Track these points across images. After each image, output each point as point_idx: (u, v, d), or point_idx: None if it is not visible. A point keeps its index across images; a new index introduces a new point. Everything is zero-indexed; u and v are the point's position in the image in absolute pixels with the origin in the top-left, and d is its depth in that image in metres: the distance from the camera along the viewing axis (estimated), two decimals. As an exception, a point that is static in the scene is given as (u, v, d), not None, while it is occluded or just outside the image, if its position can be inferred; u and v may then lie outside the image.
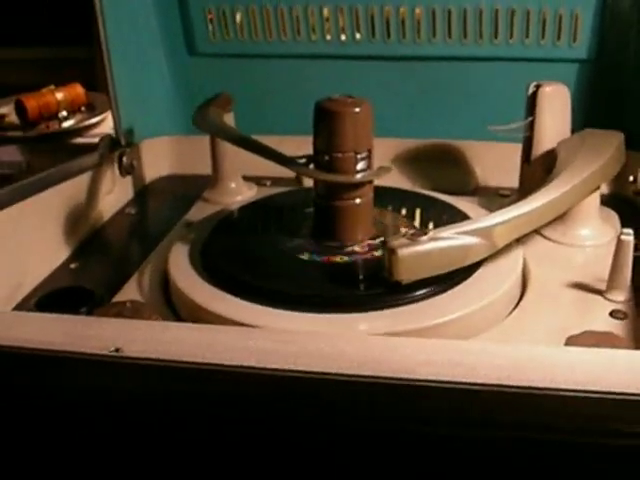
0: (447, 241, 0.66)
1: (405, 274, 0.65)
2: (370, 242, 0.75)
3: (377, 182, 0.78)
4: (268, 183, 1.00)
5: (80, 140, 1.25)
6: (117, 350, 0.48)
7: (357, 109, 0.72)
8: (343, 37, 1.00)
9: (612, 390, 0.45)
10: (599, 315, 0.69)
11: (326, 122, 0.72)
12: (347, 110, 0.72)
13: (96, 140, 0.97)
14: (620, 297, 0.70)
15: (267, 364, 0.46)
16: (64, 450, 0.52)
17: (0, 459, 0.53)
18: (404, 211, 0.82)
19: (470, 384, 0.45)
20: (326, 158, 0.73)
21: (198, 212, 0.91)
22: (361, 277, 0.72)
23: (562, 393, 0.45)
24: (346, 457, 0.50)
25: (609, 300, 0.70)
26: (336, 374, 0.46)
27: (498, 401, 0.46)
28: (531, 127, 0.84)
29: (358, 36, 0.99)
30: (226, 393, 0.48)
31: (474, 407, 0.47)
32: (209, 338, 0.51)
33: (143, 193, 1.03)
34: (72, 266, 0.84)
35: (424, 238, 0.65)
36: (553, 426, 0.46)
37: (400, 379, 0.46)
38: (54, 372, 0.50)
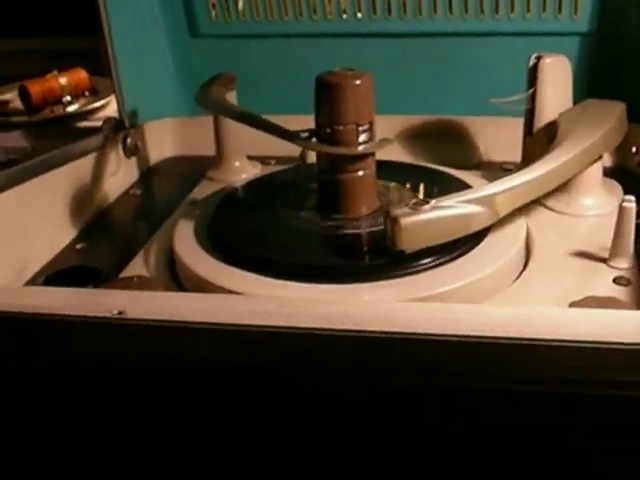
0: (449, 210, 0.67)
1: (408, 243, 0.65)
2: (374, 214, 0.76)
3: (381, 156, 0.78)
4: (272, 162, 1.00)
5: (84, 124, 1.26)
6: (120, 313, 0.48)
7: (358, 81, 0.72)
8: (344, 15, 1.00)
9: (608, 340, 0.46)
10: (602, 282, 0.69)
11: (327, 95, 0.72)
12: (348, 82, 0.72)
13: (100, 124, 0.98)
14: (623, 264, 0.71)
15: (269, 322, 0.47)
16: (68, 411, 0.53)
17: (6, 418, 0.54)
18: (408, 184, 0.82)
19: (464, 336, 0.46)
20: (328, 131, 0.73)
21: (203, 191, 0.91)
22: (366, 248, 0.72)
23: (553, 344, 0.45)
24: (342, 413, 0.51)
25: (612, 267, 0.71)
26: (330, 330, 0.47)
27: (493, 354, 0.47)
28: (532, 99, 0.84)
29: (359, 14, 0.99)
30: (228, 353, 0.48)
31: (470, 361, 0.47)
32: (212, 303, 0.51)
33: (148, 174, 1.04)
34: (78, 246, 0.84)
35: (426, 207, 0.65)
36: (544, 377, 0.46)
37: (396, 333, 0.46)
38: (59, 336, 0.50)
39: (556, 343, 0.46)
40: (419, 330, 0.47)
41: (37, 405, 0.53)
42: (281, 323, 0.47)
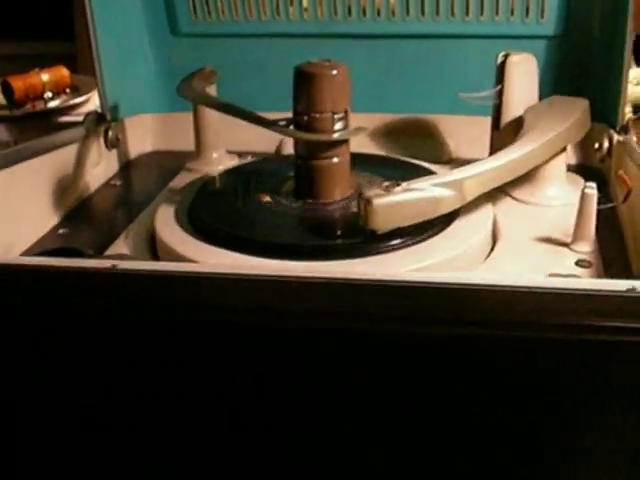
0: (420, 192, 0.70)
1: (380, 223, 0.69)
2: (347, 198, 0.79)
3: (356, 149, 0.81)
4: (249, 157, 1.03)
5: (65, 119, 1.29)
6: (114, 266, 0.51)
7: (334, 71, 0.76)
8: (321, 17, 1.03)
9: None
10: (566, 264, 0.73)
11: (305, 84, 0.76)
12: (325, 72, 0.76)
13: (81, 119, 1.00)
14: (585, 248, 0.74)
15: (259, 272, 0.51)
16: (70, 358, 0.55)
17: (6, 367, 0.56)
18: (381, 174, 0.85)
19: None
20: (305, 119, 0.77)
21: (182, 181, 0.94)
22: (339, 229, 0.76)
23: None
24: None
25: (575, 251, 0.74)
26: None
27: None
28: (500, 95, 0.88)
29: (336, 16, 1.03)
30: (217, 299, 0.51)
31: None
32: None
33: (128, 167, 1.06)
34: (61, 231, 0.87)
35: (398, 189, 0.69)
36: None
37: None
38: (60, 288, 0.53)
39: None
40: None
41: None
42: (265, 272, 0.50)
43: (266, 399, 0.54)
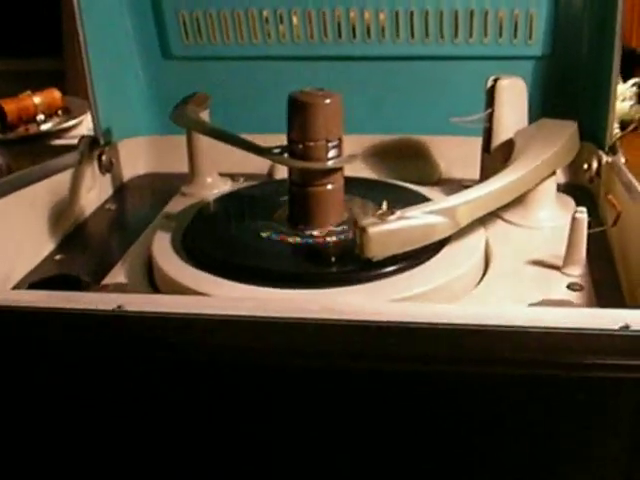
0: (414, 220, 0.71)
1: (375, 251, 0.70)
2: (342, 225, 0.80)
3: (348, 173, 0.82)
4: (241, 179, 1.04)
5: (58, 142, 1.29)
6: (119, 307, 0.52)
7: (328, 100, 0.76)
8: (311, 39, 1.04)
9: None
10: (557, 288, 0.74)
11: (299, 113, 0.77)
12: (319, 101, 0.76)
13: (74, 142, 1.01)
14: (576, 271, 0.75)
15: (256, 313, 0.51)
16: (73, 395, 0.56)
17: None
18: (373, 198, 0.86)
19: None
20: (299, 147, 0.77)
21: (177, 205, 0.94)
22: (334, 256, 0.76)
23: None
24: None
25: (566, 274, 0.75)
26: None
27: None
28: (490, 118, 0.89)
29: (326, 38, 1.04)
30: (220, 341, 0.52)
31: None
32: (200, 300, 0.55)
33: (122, 190, 1.07)
34: (57, 257, 0.88)
35: (392, 217, 0.70)
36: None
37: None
38: (63, 329, 0.54)
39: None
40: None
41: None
42: (262, 314, 0.51)
43: (274, 438, 0.55)
